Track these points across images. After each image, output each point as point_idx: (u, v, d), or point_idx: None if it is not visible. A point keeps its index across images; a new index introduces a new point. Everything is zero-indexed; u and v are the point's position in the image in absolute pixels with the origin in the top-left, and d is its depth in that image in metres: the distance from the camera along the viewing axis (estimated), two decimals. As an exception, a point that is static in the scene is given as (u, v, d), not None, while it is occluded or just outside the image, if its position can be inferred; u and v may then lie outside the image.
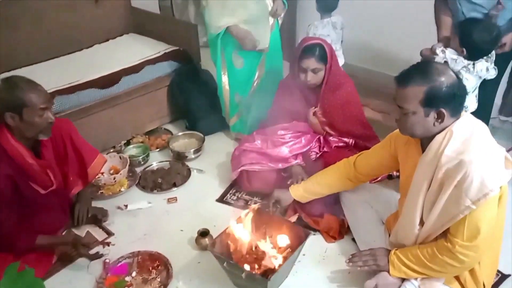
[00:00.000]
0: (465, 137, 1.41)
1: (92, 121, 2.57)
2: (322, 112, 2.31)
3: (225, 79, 2.69)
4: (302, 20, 3.79)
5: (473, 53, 2.03)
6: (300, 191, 2.01)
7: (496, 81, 2.27)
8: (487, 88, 2.23)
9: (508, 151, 2.59)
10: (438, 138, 1.44)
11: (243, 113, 2.75)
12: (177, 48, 2.99)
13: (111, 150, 2.69)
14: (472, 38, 1.98)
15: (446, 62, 2.05)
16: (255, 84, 2.70)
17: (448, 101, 1.40)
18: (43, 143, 1.82)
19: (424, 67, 1.44)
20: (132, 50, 3.00)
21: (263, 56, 2.64)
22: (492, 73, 2.10)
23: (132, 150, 2.73)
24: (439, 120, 1.43)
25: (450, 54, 2.07)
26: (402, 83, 1.44)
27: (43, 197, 1.86)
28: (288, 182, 2.14)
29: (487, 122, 2.31)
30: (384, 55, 3.41)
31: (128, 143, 2.80)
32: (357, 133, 2.33)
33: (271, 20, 2.59)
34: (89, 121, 2.54)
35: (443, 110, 1.40)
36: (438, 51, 2.10)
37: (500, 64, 2.18)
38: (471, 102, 2.15)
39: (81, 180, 2.05)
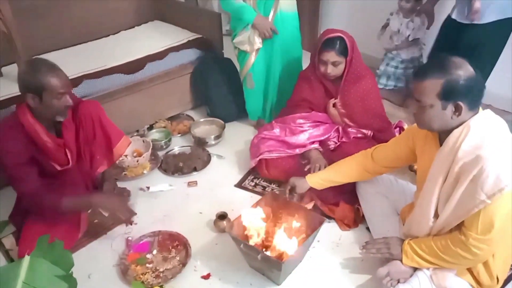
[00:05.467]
0: (483, 132, 1.40)
1: (117, 106, 2.63)
2: (341, 104, 2.32)
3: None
4: (325, 9, 3.78)
5: None
6: (316, 179, 2.01)
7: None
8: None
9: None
10: (456, 132, 1.44)
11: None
12: (200, 36, 3.03)
13: (135, 134, 2.77)
14: None
15: None
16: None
17: (465, 94, 1.39)
18: (64, 124, 1.87)
19: (441, 61, 1.43)
20: (156, 37, 3.05)
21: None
22: None
23: (154, 135, 2.80)
24: (457, 113, 1.42)
25: None
26: (420, 76, 1.44)
27: (62, 174, 1.90)
28: (306, 169, 2.15)
29: None
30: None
31: (151, 127, 2.87)
32: (376, 126, 2.33)
33: None
34: (114, 105, 2.60)
35: (461, 103, 1.40)
36: None
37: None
38: None
39: (106, 160, 2.10)
